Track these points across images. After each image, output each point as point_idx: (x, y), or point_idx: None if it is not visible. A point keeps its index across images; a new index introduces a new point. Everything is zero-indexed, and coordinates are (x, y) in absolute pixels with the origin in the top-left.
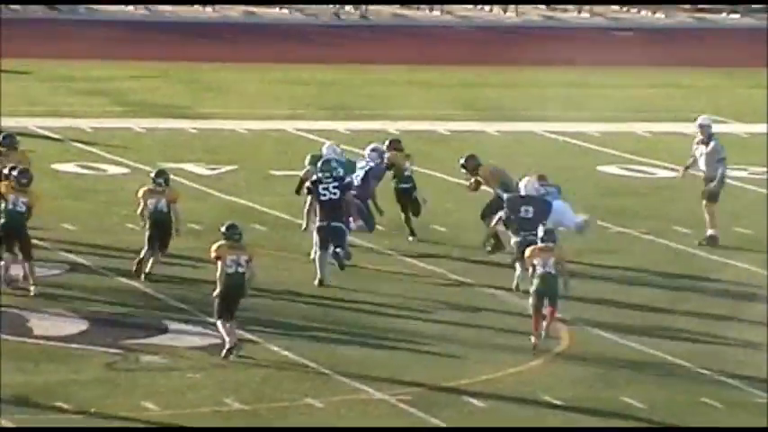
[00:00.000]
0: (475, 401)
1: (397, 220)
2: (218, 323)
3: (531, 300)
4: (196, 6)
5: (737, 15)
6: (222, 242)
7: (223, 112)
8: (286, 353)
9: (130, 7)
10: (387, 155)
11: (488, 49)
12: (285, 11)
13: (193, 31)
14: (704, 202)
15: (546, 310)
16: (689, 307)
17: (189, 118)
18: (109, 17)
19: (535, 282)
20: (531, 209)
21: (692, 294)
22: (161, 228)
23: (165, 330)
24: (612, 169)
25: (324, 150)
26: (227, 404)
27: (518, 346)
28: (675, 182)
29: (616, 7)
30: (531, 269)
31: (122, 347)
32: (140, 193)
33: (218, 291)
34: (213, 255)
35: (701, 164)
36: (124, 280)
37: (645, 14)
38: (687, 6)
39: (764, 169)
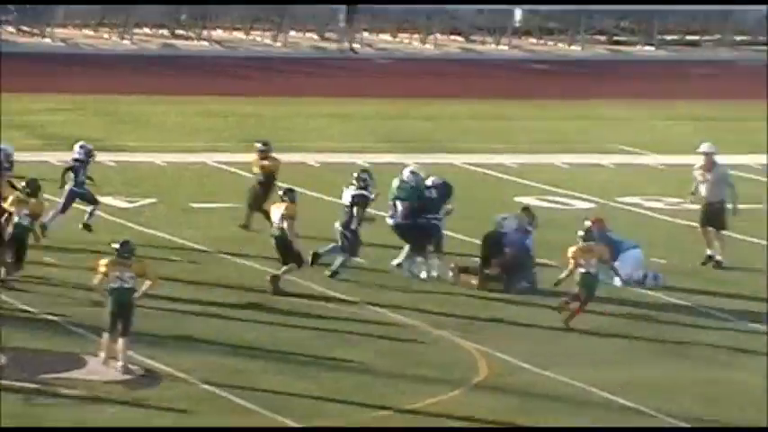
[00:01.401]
0: None
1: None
2: (104, 335)
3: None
4: (113, 38)
5: (652, 48)
6: (110, 259)
7: (142, 145)
8: (206, 386)
9: (47, 40)
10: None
11: (408, 82)
12: (204, 43)
13: (111, 64)
14: (708, 228)
15: (573, 305)
16: (605, 337)
17: (107, 150)
18: (26, 50)
19: (577, 279)
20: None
21: (612, 323)
22: (280, 244)
23: (83, 364)
24: (531, 200)
25: (404, 173)
26: None
27: (437, 377)
28: (592, 213)
29: (533, 40)
30: (571, 267)
31: (40, 382)
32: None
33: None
34: (101, 270)
35: (703, 191)
36: (43, 315)
37: (561, 47)
38: (602, 38)
39: (679, 200)
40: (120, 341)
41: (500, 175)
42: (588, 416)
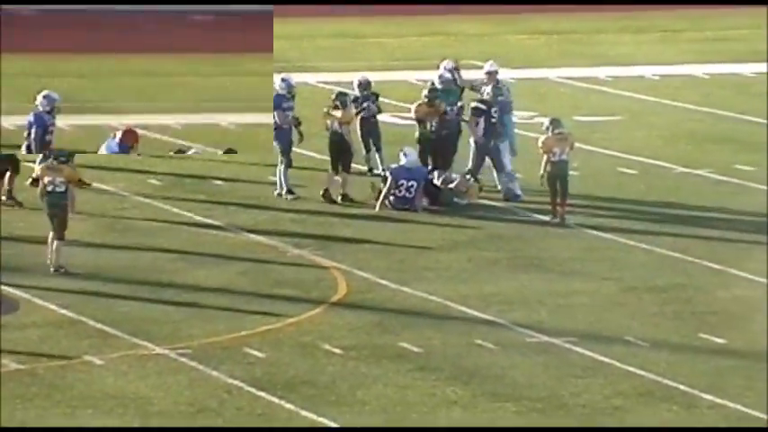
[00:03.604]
0: (255, 352)
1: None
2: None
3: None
4: None
5: None
6: (43, 163)
7: None
8: (63, 311)
9: None
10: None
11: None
12: None
13: None
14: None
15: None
16: (462, 252)
17: None
18: None
19: (550, 167)
20: None
21: (467, 237)
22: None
23: None
24: (386, 118)
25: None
26: (5, 365)
27: (296, 296)
28: None
29: None
30: (546, 156)
31: None
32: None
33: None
34: (35, 175)
35: None
36: None
37: None
38: None
39: (531, 113)
40: (55, 244)
41: (352, 92)
42: (447, 330)
